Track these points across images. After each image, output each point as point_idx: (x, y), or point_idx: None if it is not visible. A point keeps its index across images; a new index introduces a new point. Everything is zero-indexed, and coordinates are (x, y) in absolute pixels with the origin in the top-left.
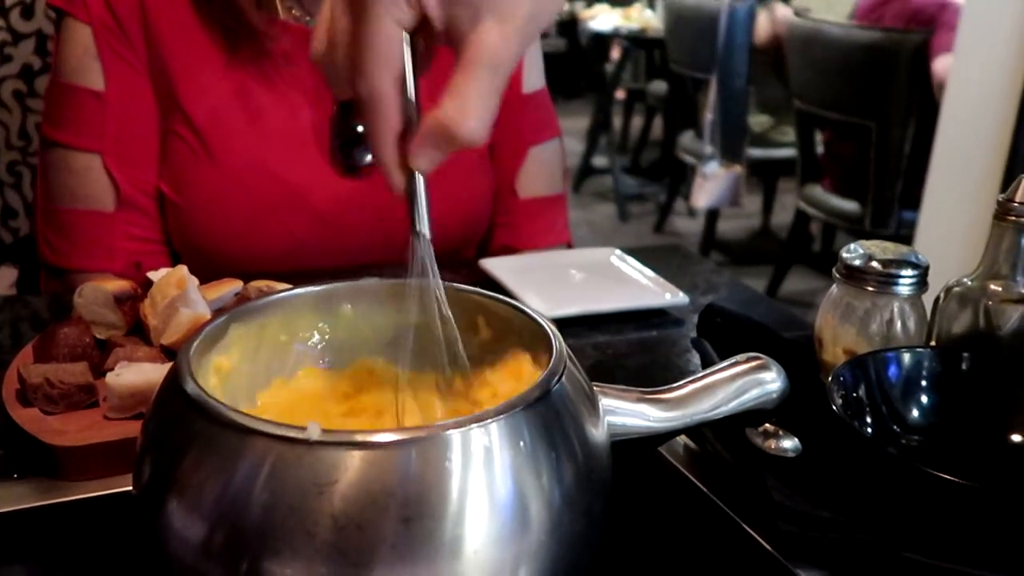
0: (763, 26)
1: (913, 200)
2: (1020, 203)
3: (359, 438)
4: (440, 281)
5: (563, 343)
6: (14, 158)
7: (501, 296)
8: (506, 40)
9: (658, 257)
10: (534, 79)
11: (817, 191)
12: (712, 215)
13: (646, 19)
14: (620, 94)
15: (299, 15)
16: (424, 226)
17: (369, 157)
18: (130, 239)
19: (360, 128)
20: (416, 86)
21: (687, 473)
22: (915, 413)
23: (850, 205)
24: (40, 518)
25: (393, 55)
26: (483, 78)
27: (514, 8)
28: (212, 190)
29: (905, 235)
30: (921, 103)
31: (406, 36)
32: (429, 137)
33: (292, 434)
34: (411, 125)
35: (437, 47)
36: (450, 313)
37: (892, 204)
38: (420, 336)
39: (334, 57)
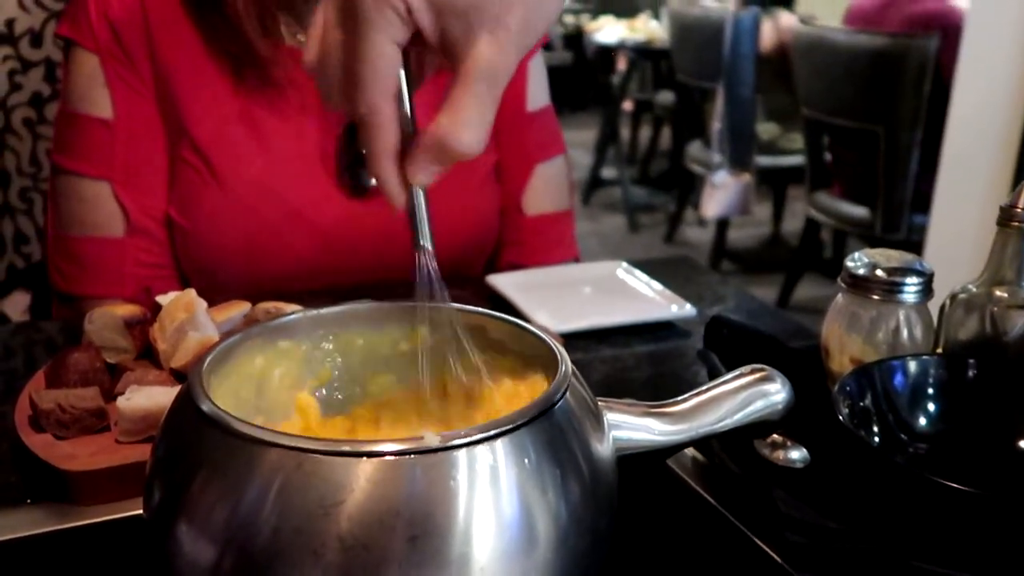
0: (768, 34)
1: (924, 203)
2: (1023, 209)
3: (368, 448)
4: (447, 294)
5: (567, 359)
6: (25, 184)
7: (503, 315)
8: (500, 50)
9: (665, 269)
10: (539, 97)
11: (827, 198)
12: (722, 224)
13: (651, 30)
14: (627, 105)
15: (304, 40)
16: (427, 240)
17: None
18: (140, 265)
19: (366, 150)
20: (411, 101)
21: (695, 485)
22: (922, 421)
23: (860, 211)
24: (53, 543)
25: (388, 71)
26: (478, 89)
27: (506, 18)
28: (219, 213)
29: (916, 240)
30: (929, 107)
31: (399, 51)
32: (427, 150)
33: (308, 445)
34: (408, 140)
35: (431, 61)
36: (460, 328)
37: (902, 208)
38: (428, 354)
39: (327, 70)
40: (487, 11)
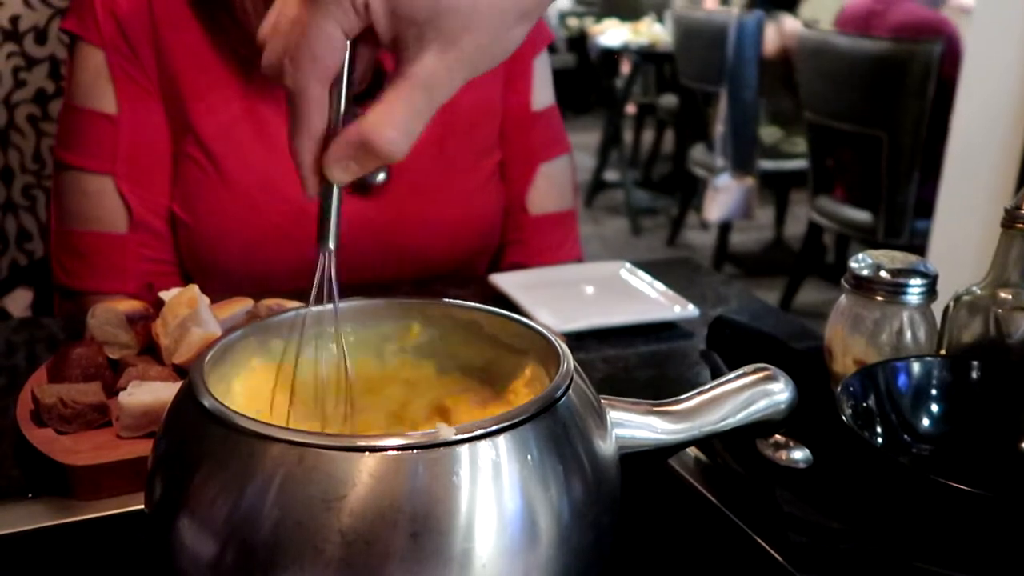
0: (772, 38)
1: (926, 209)
2: None
3: (370, 442)
4: (339, 305)
5: (570, 356)
6: (29, 181)
7: (507, 312)
8: (446, 66)
9: (668, 270)
10: (543, 96)
11: (829, 202)
12: (725, 228)
13: (655, 34)
14: (631, 108)
15: None
16: (332, 241)
17: (380, 176)
18: (143, 260)
19: None
20: (348, 94)
21: (697, 485)
22: (925, 422)
23: (862, 215)
24: (54, 537)
25: (327, 56)
26: (414, 96)
27: (461, 39)
28: (223, 210)
29: (919, 244)
30: (932, 111)
31: (348, 43)
32: (347, 146)
33: (309, 440)
34: (334, 132)
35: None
36: (344, 343)
37: (905, 213)
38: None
39: (274, 42)
40: (444, 28)
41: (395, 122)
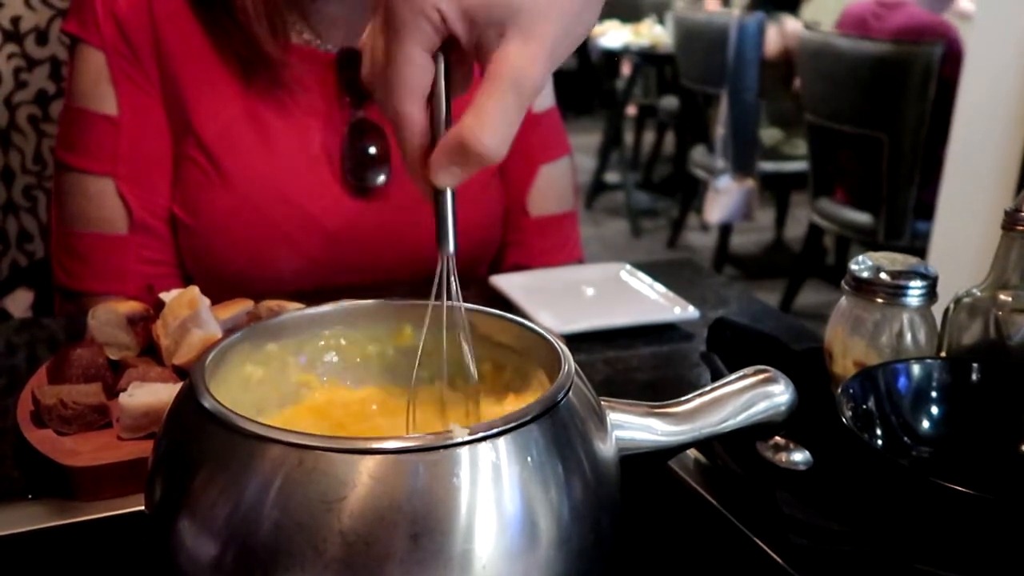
0: (773, 40)
1: (927, 211)
2: None
3: (371, 444)
4: (461, 301)
5: (571, 358)
6: (29, 182)
7: (507, 314)
8: (532, 60)
9: (668, 271)
10: (544, 98)
11: (830, 204)
12: (725, 229)
13: (656, 35)
14: (631, 110)
15: (310, 39)
16: (449, 244)
17: (380, 178)
18: (143, 262)
19: (372, 150)
20: (448, 105)
21: (697, 487)
22: (925, 424)
23: (863, 217)
24: (54, 539)
25: (416, 77)
26: (505, 95)
27: (541, 29)
28: (224, 212)
29: (919, 247)
30: (932, 113)
31: (435, 57)
32: (447, 152)
33: (309, 441)
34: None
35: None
36: (469, 335)
37: (905, 215)
38: (431, 354)
39: (375, 77)
40: (522, 23)
41: (489, 124)
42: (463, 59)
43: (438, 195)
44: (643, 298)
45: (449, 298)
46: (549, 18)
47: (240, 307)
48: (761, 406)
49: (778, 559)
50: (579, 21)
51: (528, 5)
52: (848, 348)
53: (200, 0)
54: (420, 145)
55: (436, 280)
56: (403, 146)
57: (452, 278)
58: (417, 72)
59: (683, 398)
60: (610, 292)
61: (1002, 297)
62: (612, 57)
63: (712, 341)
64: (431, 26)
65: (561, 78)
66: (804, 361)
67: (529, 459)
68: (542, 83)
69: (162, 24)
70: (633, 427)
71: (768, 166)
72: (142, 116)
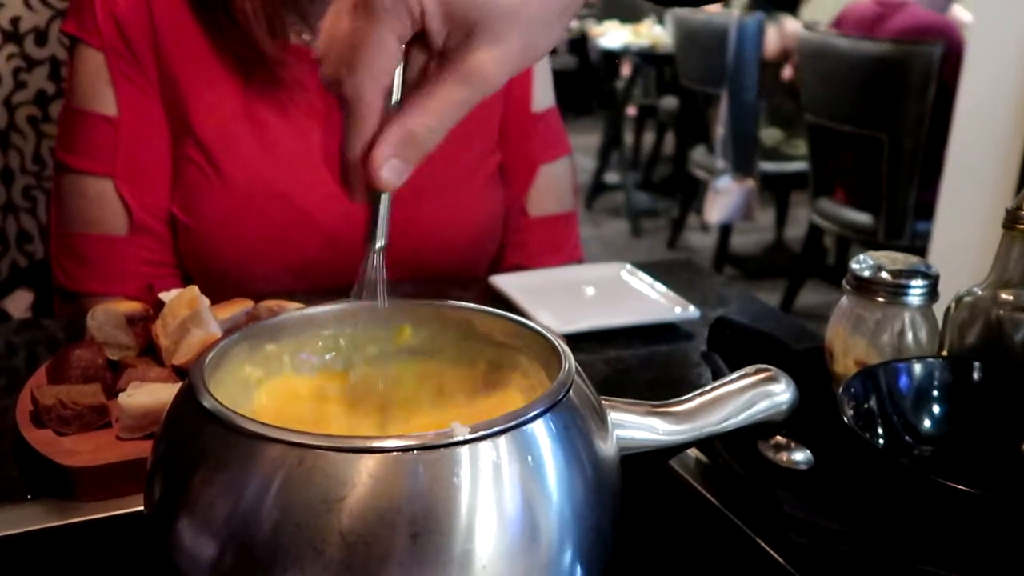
0: (772, 40)
1: (927, 211)
2: None
3: (370, 443)
4: (387, 304)
5: (571, 357)
6: (29, 183)
7: (507, 313)
8: (496, 63)
9: (668, 271)
10: (544, 98)
11: (830, 204)
12: (725, 230)
13: (656, 35)
14: (631, 110)
15: (309, 39)
16: (381, 240)
17: None
18: (142, 263)
19: None
20: (400, 99)
21: (698, 486)
22: (927, 424)
23: (863, 217)
24: (54, 539)
25: (383, 62)
26: (453, 88)
27: (510, 35)
28: (223, 212)
29: (919, 246)
30: (932, 113)
31: (401, 48)
32: (389, 142)
33: (309, 441)
34: None
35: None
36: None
37: (905, 215)
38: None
39: (331, 55)
40: (494, 27)
41: (430, 109)
42: (418, 58)
43: (374, 194)
44: (643, 298)
45: (374, 299)
46: (518, 26)
47: (239, 307)
48: (762, 405)
49: (779, 558)
50: (546, 34)
51: (500, 10)
52: (849, 347)
53: (199, 1)
54: (368, 135)
55: (367, 280)
56: (350, 133)
57: (380, 277)
58: (388, 60)
59: (684, 397)
60: (610, 292)
61: (1003, 296)
62: (612, 57)
63: (713, 340)
64: (409, 18)
65: (560, 78)
66: (805, 360)
67: (530, 458)
68: (496, 87)
69: (161, 25)
70: (634, 426)
71: (768, 166)
72: (141, 117)
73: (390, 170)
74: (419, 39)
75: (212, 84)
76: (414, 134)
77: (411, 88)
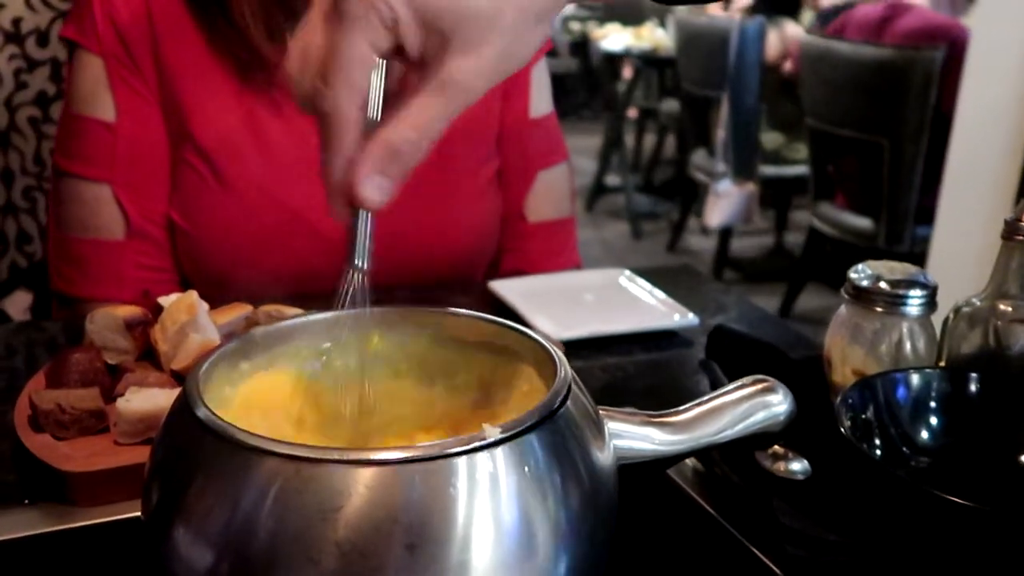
0: (773, 44)
1: (928, 216)
2: None
3: (367, 455)
4: (332, 315)
5: (568, 366)
6: (29, 183)
7: (503, 320)
8: (473, 72)
9: (667, 278)
10: (542, 104)
11: (830, 208)
12: (725, 233)
13: (657, 38)
14: (632, 113)
15: None
16: (364, 260)
17: None
18: (140, 268)
19: None
20: (377, 113)
21: (695, 496)
22: (924, 435)
23: (863, 222)
24: (51, 544)
25: (360, 76)
26: (433, 99)
27: (485, 42)
28: (222, 217)
29: (920, 252)
30: (933, 119)
31: (380, 61)
32: (371, 158)
33: (305, 452)
34: None
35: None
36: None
37: (906, 220)
38: (428, 358)
39: (304, 69)
40: (468, 34)
41: (411, 123)
42: (395, 71)
43: (357, 212)
44: (642, 304)
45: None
46: (494, 32)
47: (238, 312)
48: (759, 415)
49: (775, 569)
50: (523, 43)
51: (475, 17)
52: (847, 357)
53: (198, 5)
54: (349, 151)
55: (345, 297)
56: (330, 149)
57: (364, 298)
58: (364, 72)
59: (681, 407)
60: (609, 298)
61: (1002, 307)
62: (613, 60)
63: (711, 349)
64: (382, 26)
65: (562, 81)
66: (803, 370)
67: (526, 468)
68: (475, 97)
69: (161, 31)
70: (631, 436)
71: (768, 170)
72: (140, 122)
73: (373, 188)
74: (398, 52)
75: (211, 89)
76: (396, 149)
77: (391, 101)
